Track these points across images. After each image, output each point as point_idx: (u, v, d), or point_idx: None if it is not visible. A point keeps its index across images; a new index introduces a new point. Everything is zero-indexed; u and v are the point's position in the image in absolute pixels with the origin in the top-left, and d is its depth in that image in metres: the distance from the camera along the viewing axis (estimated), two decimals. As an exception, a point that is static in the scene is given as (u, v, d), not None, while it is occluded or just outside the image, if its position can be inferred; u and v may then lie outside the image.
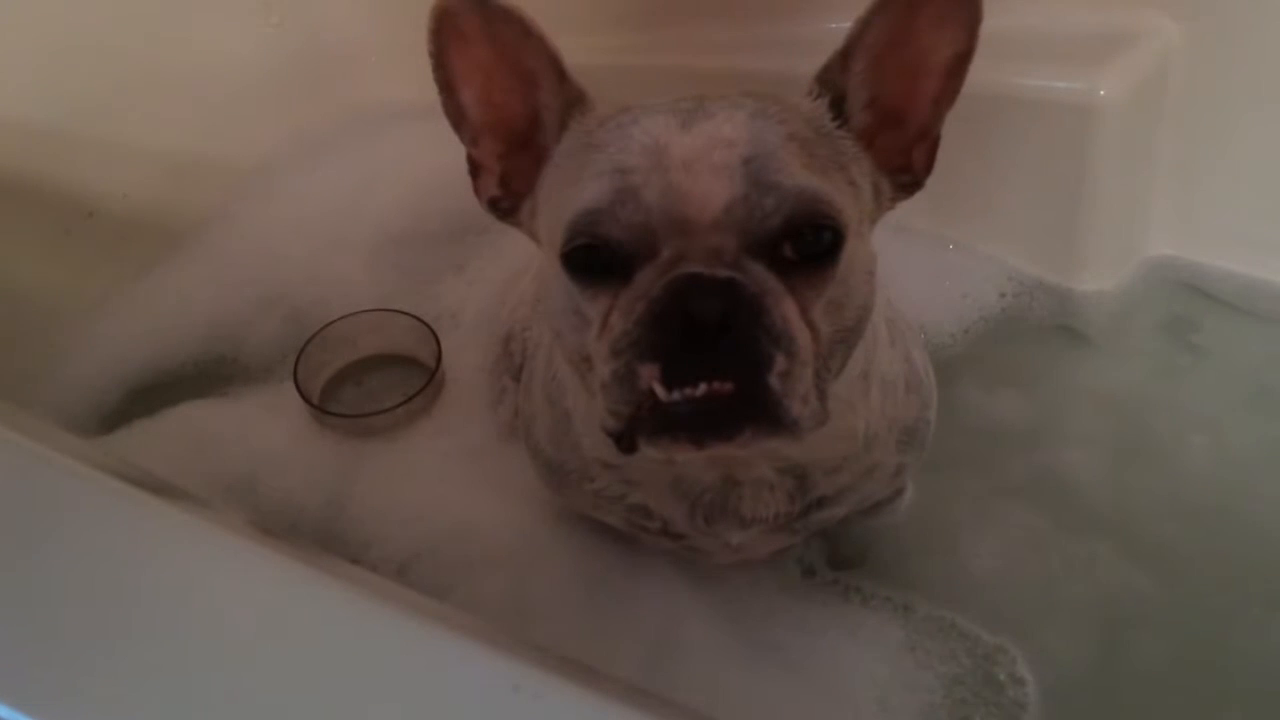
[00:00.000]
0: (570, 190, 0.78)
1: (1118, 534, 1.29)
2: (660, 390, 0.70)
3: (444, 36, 0.79)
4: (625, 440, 0.75)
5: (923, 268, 1.56)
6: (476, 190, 0.88)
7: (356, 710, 0.67)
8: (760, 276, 0.72)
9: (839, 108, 0.81)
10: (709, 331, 0.69)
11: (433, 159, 1.51)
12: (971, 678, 1.15)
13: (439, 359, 1.46)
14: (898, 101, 0.82)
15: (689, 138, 0.73)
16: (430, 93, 0.83)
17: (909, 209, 0.88)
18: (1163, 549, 1.27)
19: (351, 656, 0.71)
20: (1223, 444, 1.37)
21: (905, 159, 0.84)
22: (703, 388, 0.70)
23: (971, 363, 1.48)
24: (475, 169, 0.87)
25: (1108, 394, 1.45)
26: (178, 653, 0.71)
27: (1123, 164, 1.47)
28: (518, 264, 1.50)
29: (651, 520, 1.02)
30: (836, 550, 1.26)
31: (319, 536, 1.30)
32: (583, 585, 1.23)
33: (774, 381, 0.70)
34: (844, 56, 0.80)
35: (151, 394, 1.50)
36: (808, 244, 0.74)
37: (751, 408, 0.71)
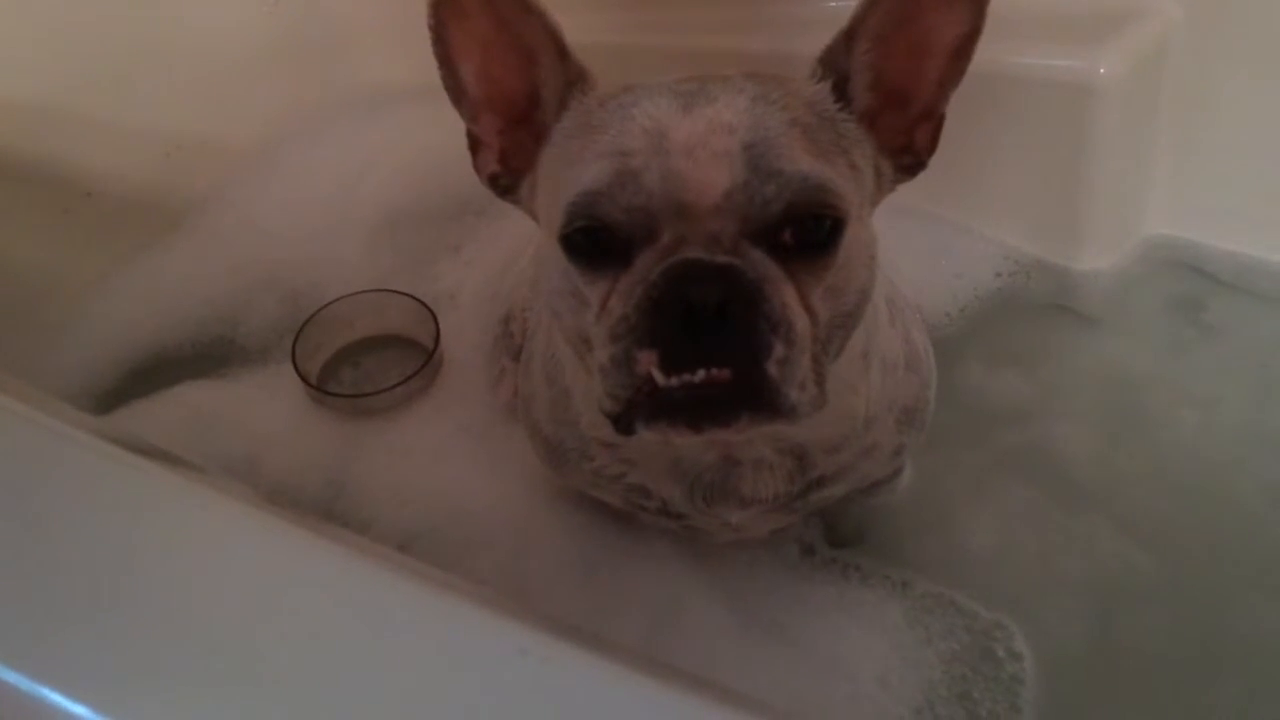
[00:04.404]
0: (570, 171, 0.77)
1: (1114, 510, 1.30)
2: (658, 376, 0.70)
3: (444, 10, 0.79)
4: (623, 422, 0.75)
5: (919, 247, 1.56)
6: (476, 166, 0.88)
7: (365, 675, 0.68)
8: (760, 262, 0.72)
9: (842, 90, 0.80)
10: (708, 317, 0.69)
11: (430, 140, 1.50)
12: (970, 653, 1.16)
13: (437, 339, 1.46)
14: (902, 82, 0.81)
15: (690, 122, 0.73)
16: (427, 73, 0.82)
17: (905, 188, 0.87)
18: (1158, 525, 1.28)
19: (360, 622, 0.71)
20: (1219, 423, 1.38)
21: (908, 139, 0.83)
22: (700, 374, 0.70)
23: (968, 342, 1.48)
24: (475, 145, 0.87)
25: (1104, 373, 1.46)
26: (186, 618, 0.71)
27: (1122, 143, 1.47)
28: (516, 245, 1.50)
29: (650, 499, 1.02)
30: (835, 529, 1.27)
31: (318, 516, 1.30)
32: (581, 564, 1.24)
33: (772, 368, 0.70)
34: (848, 37, 0.79)
35: (149, 374, 1.50)
36: (808, 231, 0.74)
37: (749, 394, 0.71)
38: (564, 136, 0.81)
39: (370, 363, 1.53)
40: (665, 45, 1.61)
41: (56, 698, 0.66)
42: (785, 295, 0.72)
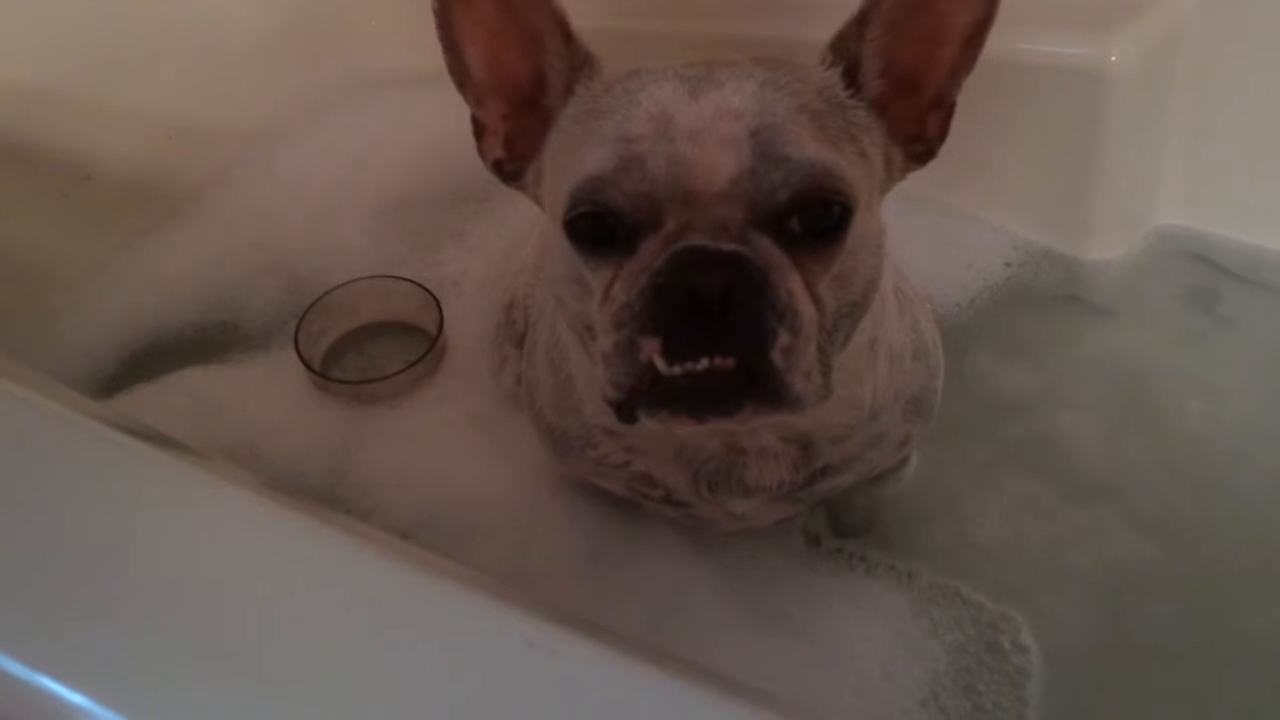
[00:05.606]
0: (575, 156, 0.77)
1: (1121, 502, 1.29)
2: (661, 364, 0.70)
3: None
4: (625, 411, 0.74)
5: (928, 237, 1.55)
6: (481, 152, 0.87)
7: (368, 664, 0.67)
8: (766, 250, 0.71)
9: (852, 76, 0.79)
10: (712, 305, 0.68)
11: (435, 125, 1.50)
12: (975, 645, 1.15)
13: (441, 326, 1.46)
14: (914, 69, 0.80)
15: (696, 107, 0.72)
16: (431, 58, 0.82)
17: (914, 177, 0.87)
18: (1165, 518, 1.28)
19: (363, 611, 0.71)
20: (1228, 416, 1.37)
21: (919, 127, 0.82)
22: (704, 363, 0.69)
23: (977, 332, 1.47)
24: (479, 130, 0.86)
25: (1114, 364, 1.45)
26: (186, 605, 0.71)
27: (1133, 132, 1.46)
28: (519, 231, 1.49)
29: (654, 488, 1.02)
30: (841, 519, 1.26)
31: (320, 502, 1.30)
32: (584, 553, 1.23)
33: (777, 357, 0.70)
34: (860, 23, 0.78)
35: (151, 359, 1.49)
36: (816, 218, 0.73)
37: (753, 384, 0.71)
38: (569, 122, 0.81)
39: (374, 349, 1.53)
40: (672, 30, 1.60)
41: (55, 686, 0.66)
42: (792, 283, 0.71)
